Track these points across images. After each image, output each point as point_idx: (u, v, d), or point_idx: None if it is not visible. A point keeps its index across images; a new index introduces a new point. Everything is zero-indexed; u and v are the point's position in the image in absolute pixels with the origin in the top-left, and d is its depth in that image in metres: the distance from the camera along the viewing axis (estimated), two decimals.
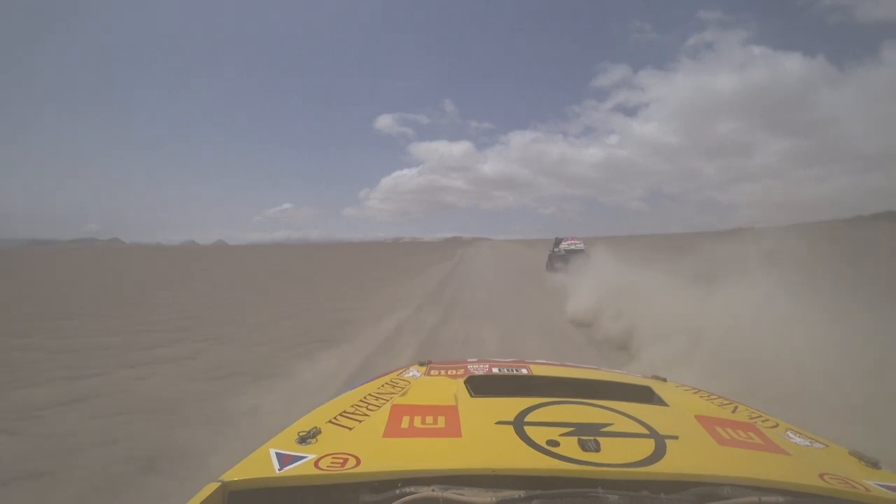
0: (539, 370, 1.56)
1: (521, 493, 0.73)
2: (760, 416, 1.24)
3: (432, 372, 1.53)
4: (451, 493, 0.74)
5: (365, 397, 1.23)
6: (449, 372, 1.50)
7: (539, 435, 0.94)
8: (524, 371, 1.52)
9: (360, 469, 0.82)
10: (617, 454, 0.87)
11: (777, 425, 1.18)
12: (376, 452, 0.89)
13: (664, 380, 1.61)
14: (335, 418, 1.08)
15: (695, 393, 1.47)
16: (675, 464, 0.86)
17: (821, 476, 0.86)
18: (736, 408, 1.31)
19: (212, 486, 0.78)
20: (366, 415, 1.10)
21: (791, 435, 1.12)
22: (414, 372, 1.54)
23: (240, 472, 0.82)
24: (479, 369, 1.52)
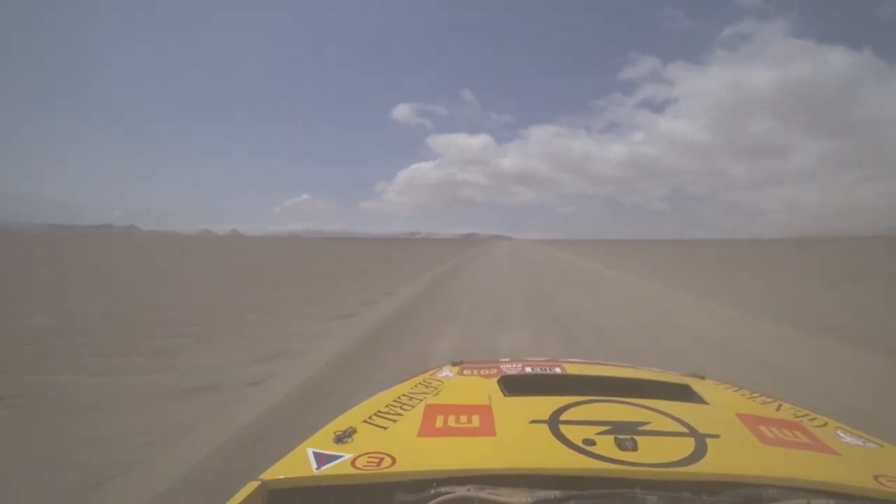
0: (573, 369, 1.54)
1: (557, 494, 0.72)
2: (807, 415, 1.19)
3: (465, 372, 1.54)
4: (486, 494, 0.74)
5: (399, 397, 1.25)
6: (482, 371, 1.51)
7: (575, 434, 0.93)
8: (558, 370, 1.51)
9: (395, 468, 0.83)
10: (655, 453, 0.85)
11: (826, 424, 1.13)
12: (411, 452, 0.90)
13: (702, 377, 1.56)
14: (370, 418, 1.10)
15: (735, 391, 1.42)
16: (717, 464, 0.83)
17: (875, 478, 0.81)
18: (780, 406, 1.26)
19: (252, 485, 0.80)
20: (400, 414, 1.12)
21: (841, 434, 1.06)
22: (447, 372, 1.55)
23: (279, 472, 0.85)
24: (512, 369, 1.52)
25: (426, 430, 1.01)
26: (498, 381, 1.35)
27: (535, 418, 1.02)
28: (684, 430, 0.97)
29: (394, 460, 0.85)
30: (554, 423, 0.99)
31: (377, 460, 0.86)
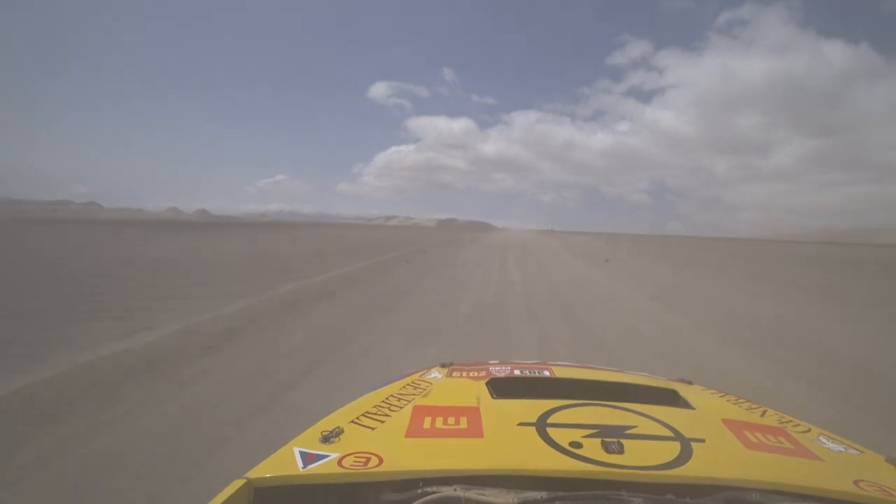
0: (561, 372, 1.55)
1: (544, 495, 0.73)
2: (791, 421, 1.21)
3: (454, 373, 1.54)
4: (472, 494, 0.74)
5: (387, 398, 1.25)
6: (470, 374, 1.51)
7: (562, 436, 0.94)
8: (546, 373, 1.52)
9: (382, 468, 0.83)
10: (641, 456, 0.86)
11: (809, 430, 1.15)
12: (398, 452, 0.90)
13: (690, 383, 1.58)
14: (357, 418, 1.09)
15: (721, 396, 1.44)
16: (702, 467, 0.84)
17: (855, 483, 0.83)
18: (765, 412, 1.28)
19: (237, 483, 0.80)
20: (388, 415, 1.12)
21: (824, 440, 1.08)
22: (435, 373, 1.55)
23: (265, 470, 0.85)
24: (500, 371, 1.52)
25: (414, 430, 1.00)
26: (486, 384, 1.35)
27: (522, 421, 1.02)
28: (670, 433, 0.98)
29: (381, 460, 0.85)
30: (541, 425, 1.00)
31: (364, 460, 0.85)
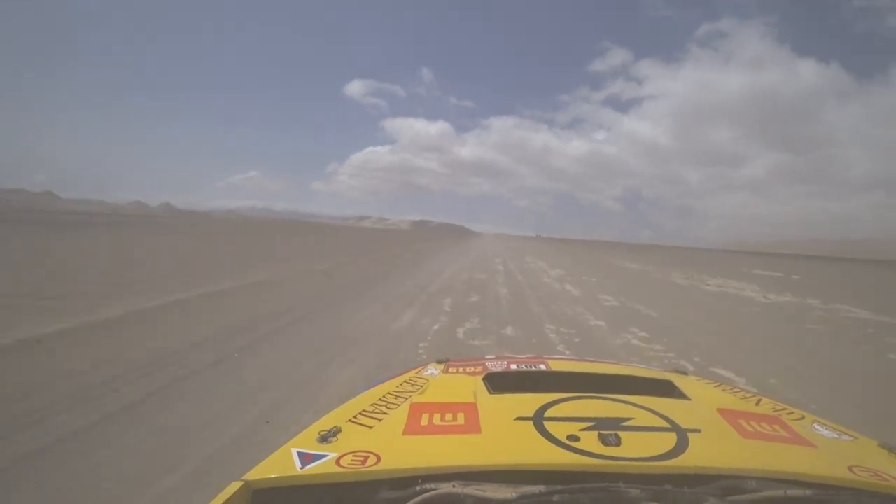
0: (557, 366, 1.55)
1: (542, 489, 0.73)
2: (785, 409, 1.22)
3: (450, 370, 1.54)
4: (471, 489, 0.74)
5: (384, 396, 1.24)
6: (467, 369, 1.51)
7: (559, 430, 0.94)
8: (542, 367, 1.52)
9: (380, 466, 0.82)
10: (638, 448, 0.86)
11: (803, 417, 1.16)
12: (396, 450, 0.90)
13: (685, 373, 1.59)
14: (355, 417, 1.09)
15: (717, 387, 1.46)
16: (698, 457, 0.85)
17: (849, 469, 0.84)
18: (759, 401, 1.29)
19: (235, 485, 0.79)
20: (385, 413, 1.11)
21: (818, 427, 1.10)
22: (432, 370, 1.55)
23: (263, 472, 0.84)
24: (497, 366, 1.52)
25: (411, 428, 1.00)
26: (483, 379, 1.35)
27: (520, 415, 1.02)
28: (666, 425, 0.99)
29: (379, 458, 0.85)
30: (538, 419, 1.00)
31: (362, 459, 0.85)
